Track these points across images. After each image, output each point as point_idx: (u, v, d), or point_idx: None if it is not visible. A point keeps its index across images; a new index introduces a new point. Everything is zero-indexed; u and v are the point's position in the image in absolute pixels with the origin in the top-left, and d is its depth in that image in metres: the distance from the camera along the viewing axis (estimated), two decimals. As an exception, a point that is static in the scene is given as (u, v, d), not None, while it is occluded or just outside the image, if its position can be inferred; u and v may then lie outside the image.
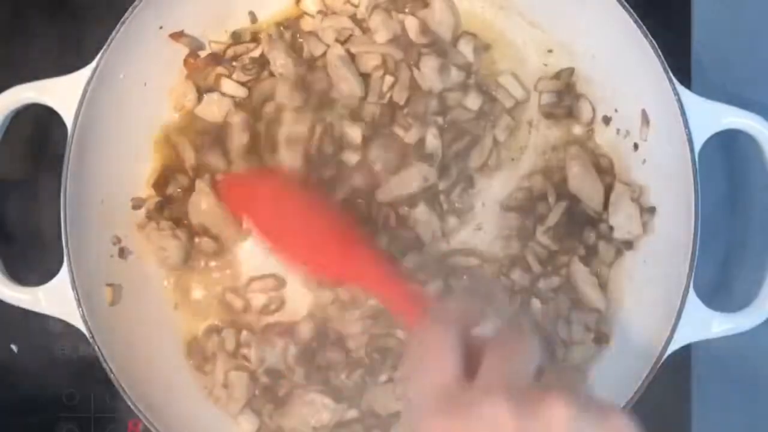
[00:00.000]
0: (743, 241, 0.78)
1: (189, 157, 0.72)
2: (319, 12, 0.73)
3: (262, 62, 0.72)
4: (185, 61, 0.72)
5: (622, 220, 0.71)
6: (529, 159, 0.74)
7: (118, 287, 0.70)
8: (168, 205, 0.72)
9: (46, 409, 0.75)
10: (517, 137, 0.74)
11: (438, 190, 0.72)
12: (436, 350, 0.47)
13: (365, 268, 0.64)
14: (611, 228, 0.71)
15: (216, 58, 0.73)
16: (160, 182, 0.72)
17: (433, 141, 0.70)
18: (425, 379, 0.46)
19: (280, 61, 0.71)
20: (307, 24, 0.73)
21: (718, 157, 0.77)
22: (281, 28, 0.73)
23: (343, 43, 0.72)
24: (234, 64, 0.73)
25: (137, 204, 0.72)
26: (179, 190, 0.72)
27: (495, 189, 0.73)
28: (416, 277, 0.69)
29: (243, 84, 0.72)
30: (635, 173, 0.72)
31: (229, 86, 0.72)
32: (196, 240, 0.72)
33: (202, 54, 0.73)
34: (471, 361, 0.46)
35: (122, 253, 0.71)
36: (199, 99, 0.72)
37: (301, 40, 0.73)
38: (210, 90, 0.73)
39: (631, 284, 0.72)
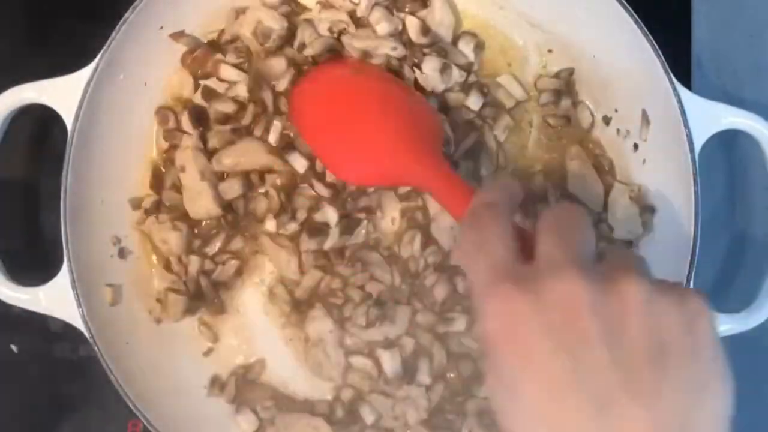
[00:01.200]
0: (743, 241, 0.78)
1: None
2: (318, 3, 0.73)
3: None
4: (183, 59, 0.72)
5: (622, 219, 0.71)
6: (529, 159, 0.74)
7: (118, 287, 0.70)
8: (165, 202, 0.72)
9: (46, 409, 0.76)
10: (517, 137, 0.74)
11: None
12: (489, 230, 0.45)
13: (411, 161, 0.63)
14: (611, 228, 0.71)
15: (213, 46, 0.72)
16: (155, 181, 0.72)
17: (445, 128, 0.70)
18: (482, 261, 0.43)
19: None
20: (304, 15, 0.73)
21: (718, 157, 0.77)
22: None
23: (338, 36, 0.72)
24: (234, 44, 0.72)
25: (136, 204, 0.72)
26: (175, 184, 0.72)
27: (495, 189, 0.73)
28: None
29: (237, 66, 0.72)
30: (635, 173, 0.72)
31: (226, 72, 0.72)
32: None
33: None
34: (523, 246, 0.44)
35: (122, 253, 0.71)
36: (197, 87, 0.72)
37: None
38: (207, 77, 0.72)
39: (631, 284, 0.72)
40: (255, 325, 0.73)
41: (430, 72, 0.70)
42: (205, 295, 0.72)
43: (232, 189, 0.71)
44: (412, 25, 0.71)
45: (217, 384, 0.72)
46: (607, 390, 0.37)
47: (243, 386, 0.72)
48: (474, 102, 0.72)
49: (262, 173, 0.72)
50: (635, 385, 0.38)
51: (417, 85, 0.71)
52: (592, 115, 0.73)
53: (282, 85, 0.71)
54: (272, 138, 0.71)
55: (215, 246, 0.72)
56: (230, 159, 0.70)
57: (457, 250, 0.51)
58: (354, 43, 0.71)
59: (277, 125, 0.71)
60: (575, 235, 0.44)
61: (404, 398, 0.70)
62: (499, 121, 0.73)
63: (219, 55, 0.72)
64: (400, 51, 0.71)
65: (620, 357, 0.38)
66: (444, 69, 0.70)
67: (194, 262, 0.71)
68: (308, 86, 0.70)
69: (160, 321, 0.71)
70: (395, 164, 0.64)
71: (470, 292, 0.45)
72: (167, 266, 0.71)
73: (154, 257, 0.72)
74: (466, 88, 0.72)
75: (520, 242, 0.45)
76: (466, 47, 0.72)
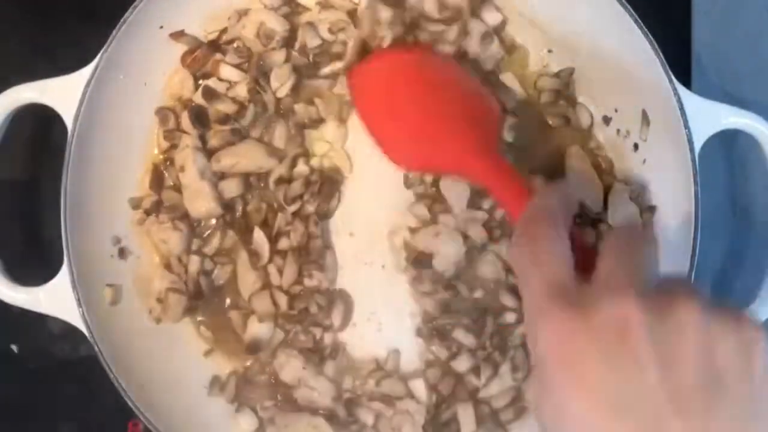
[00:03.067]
0: (743, 241, 0.78)
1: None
2: (318, 3, 0.73)
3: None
4: (183, 59, 0.72)
5: (622, 219, 0.71)
6: (529, 158, 0.74)
7: (118, 287, 0.70)
8: (165, 202, 0.72)
9: (46, 409, 0.76)
10: (518, 136, 0.74)
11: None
12: (546, 241, 0.45)
13: (471, 156, 0.62)
14: (611, 228, 0.71)
15: (214, 46, 0.72)
16: (155, 181, 0.72)
17: None
18: (537, 276, 0.43)
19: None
20: (304, 17, 0.73)
21: (718, 157, 0.77)
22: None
23: (335, 33, 0.72)
24: (234, 45, 0.72)
25: (135, 204, 0.72)
26: (174, 184, 0.72)
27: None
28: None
29: (237, 66, 0.72)
30: (635, 173, 0.72)
31: (227, 72, 0.72)
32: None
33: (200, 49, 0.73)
34: (582, 260, 0.44)
35: (122, 253, 0.71)
36: (197, 87, 0.72)
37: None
38: (207, 77, 0.72)
39: (631, 284, 0.72)
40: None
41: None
42: (205, 295, 0.72)
43: (231, 188, 0.71)
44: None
45: (217, 384, 0.72)
46: (658, 414, 0.37)
47: (243, 386, 0.72)
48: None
49: (261, 175, 0.72)
50: (687, 410, 0.37)
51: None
52: (591, 115, 0.73)
53: (283, 91, 0.71)
54: (278, 141, 0.72)
55: (214, 246, 0.72)
56: (229, 159, 0.70)
57: (513, 255, 0.50)
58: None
59: (281, 129, 0.71)
60: (637, 258, 0.43)
61: (403, 411, 0.70)
62: (504, 121, 0.72)
63: (219, 55, 0.72)
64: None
65: (673, 382, 0.38)
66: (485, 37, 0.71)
67: (194, 262, 0.71)
68: (369, 69, 0.69)
69: (160, 321, 0.71)
70: (453, 153, 0.63)
71: (524, 306, 0.44)
72: (168, 266, 0.71)
73: (156, 257, 0.72)
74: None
75: (575, 254, 0.45)
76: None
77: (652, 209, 0.71)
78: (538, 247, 0.45)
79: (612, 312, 0.39)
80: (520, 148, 0.73)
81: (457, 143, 0.64)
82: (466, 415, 0.70)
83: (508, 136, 0.73)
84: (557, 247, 0.44)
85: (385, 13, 0.69)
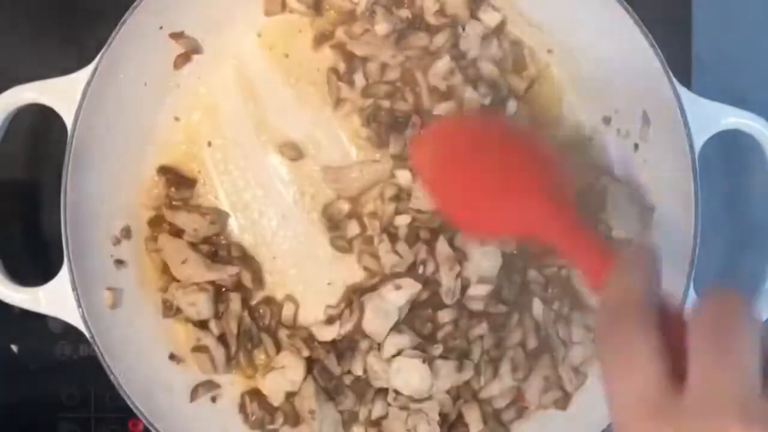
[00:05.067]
0: (743, 241, 0.78)
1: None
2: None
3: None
4: (176, 62, 0.72)
5: (621, 219, 0.71)
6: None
7: (119, 291, 0.70)
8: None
9: (46, 409, 0.76)
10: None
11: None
12: (636, 342, 0.38)
13: (547, 217, 0.55)
14: (610, 227, 0.71)
15: None
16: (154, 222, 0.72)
17: (473, 94, 0.70)
18: (625, 392, 0.38)
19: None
20: None
21: (718, 157, 0.77)
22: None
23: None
24: None
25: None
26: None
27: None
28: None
29: None
30: (635, 173, 0.72)
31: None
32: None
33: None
34: (672, 338, 0.38)
35: (120, 262, 0.71)
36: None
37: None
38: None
39: (631, 284, 0.72)
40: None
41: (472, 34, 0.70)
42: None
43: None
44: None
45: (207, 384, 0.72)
46: None
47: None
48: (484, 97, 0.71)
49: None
50: None
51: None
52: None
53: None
54: None
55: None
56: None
57: (598, 353, 0.43)
58: (356, 51, 0.71)
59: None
60: (739, 348, 0.36)
61: (417, 411, 0.70)
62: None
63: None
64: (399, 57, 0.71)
65: None
66: (486, 37, 0.71)
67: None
68: (431, 138, 0.66)
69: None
70: (529, 213, 0.57)
71: (611, 417, 0.39)
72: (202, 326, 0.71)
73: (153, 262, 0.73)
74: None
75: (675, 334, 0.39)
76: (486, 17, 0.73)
77: (651, 209, 0.71)
78: (626, 349, 0.39)
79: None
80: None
81: (532, 201, 0.57)
82: (472, 416, 0.70)
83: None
84: (651, 350, 0.38)
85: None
